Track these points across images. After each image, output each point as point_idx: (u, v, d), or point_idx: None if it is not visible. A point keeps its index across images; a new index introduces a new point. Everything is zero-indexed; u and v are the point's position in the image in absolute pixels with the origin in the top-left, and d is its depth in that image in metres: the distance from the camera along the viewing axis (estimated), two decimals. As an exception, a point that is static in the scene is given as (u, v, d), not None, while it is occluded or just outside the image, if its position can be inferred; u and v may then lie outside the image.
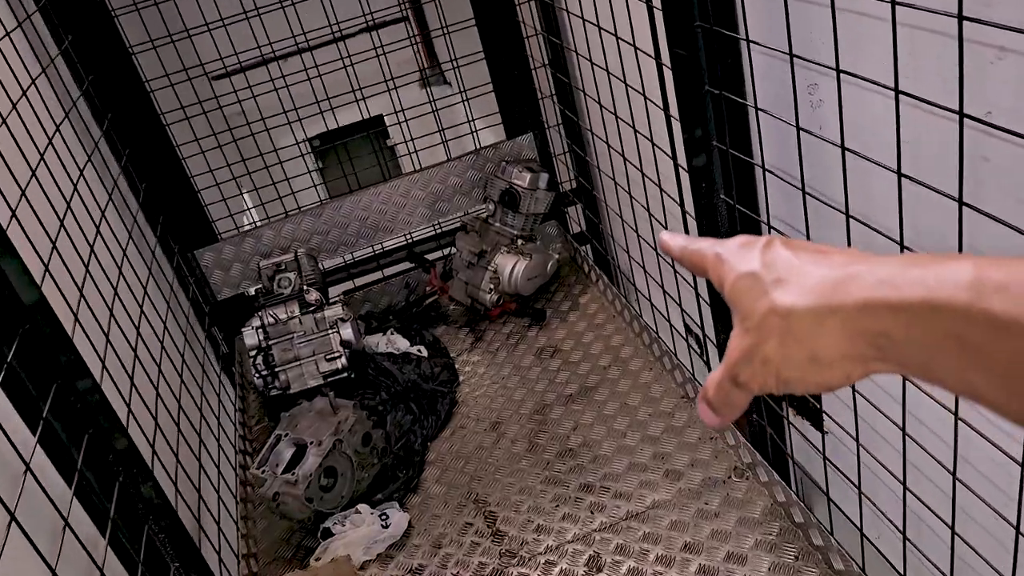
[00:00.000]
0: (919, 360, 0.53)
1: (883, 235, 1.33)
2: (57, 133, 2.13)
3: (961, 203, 1.12)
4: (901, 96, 1.16)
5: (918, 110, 1.20)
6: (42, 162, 1.94)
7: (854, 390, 1.58)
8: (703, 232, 1.93)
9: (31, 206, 1.77)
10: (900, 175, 1.22)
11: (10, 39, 2.12)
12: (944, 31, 1.19)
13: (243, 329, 2.84)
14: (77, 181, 2.15)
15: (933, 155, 1.30)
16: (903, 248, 1.29)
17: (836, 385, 0.62)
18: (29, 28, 2.35)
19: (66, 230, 1.92)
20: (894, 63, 1.15)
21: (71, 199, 2.05)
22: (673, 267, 2.28)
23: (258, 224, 3.29)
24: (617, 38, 2.12)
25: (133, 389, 1.98)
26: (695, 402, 2.40)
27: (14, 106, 1.93)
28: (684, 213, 2.09)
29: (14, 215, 1.65)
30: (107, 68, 2.72)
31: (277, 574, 2.32)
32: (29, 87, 2.07)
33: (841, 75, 1.29)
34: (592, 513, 2.21)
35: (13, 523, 1.28)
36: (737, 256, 0.68)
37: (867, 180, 1.44)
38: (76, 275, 1.90)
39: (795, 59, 1.41)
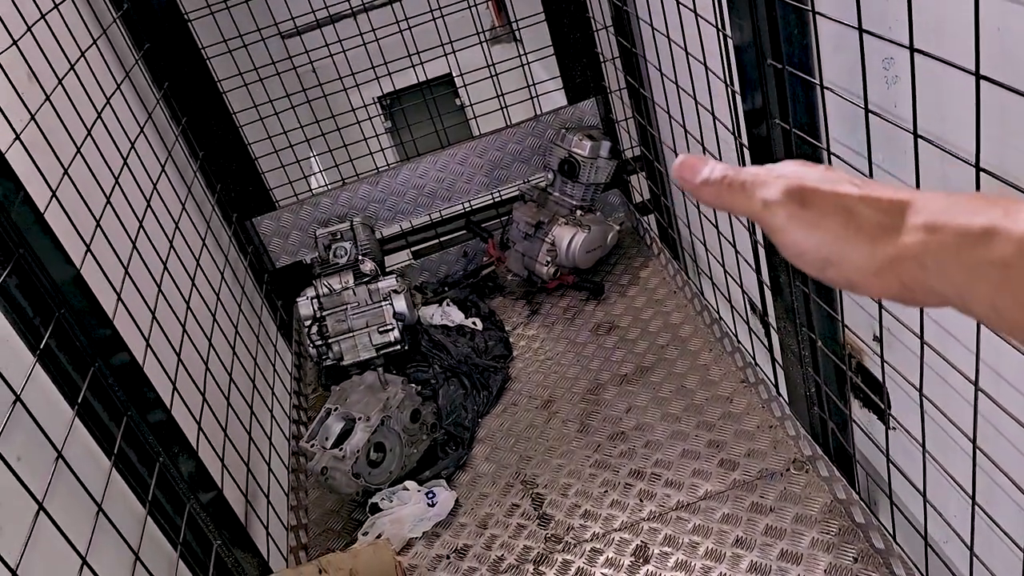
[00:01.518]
0: (952, 282, 0.52)
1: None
2: (108, 106, 2.12)
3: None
4: (982, 81, 1.03)
5: (1005, 97, 1.06)
6: (89, 137, 1.93)
7: (921, 394, 1.46)
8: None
9: (72, 183, 1.76)
10: (978, 169, 1.09)
11: (74, 3, 2.12)
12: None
13: (298, 299, 2.83)
14: (128, 155, 2.14)
15: (1020, 148, 1.16)
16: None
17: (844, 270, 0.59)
18: (84, -3, 2.34)
19: (112, 207, 1.92)
20: (975, 42, 1.02)
21: (119, 174, 2.04)
22: (735, 248, 2.16)
23: (318, 190, 3.27)
24: (679, 4, 1.99)
25: (179, 364, 1.98)
26: (755, 388, 2.30)
27: (65, 74, 1.93)
28: (746, 192, 1.96)
29: (54, 195, 1.64)
30: (165, 35, 2.70)
31: (326, 546, 2.33)
32: (82, 55, 2.06)
33: (915, 54, 1.16)
34: (641, 501, 2.14)
35: (43, 506, 1.28)
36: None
37: (943, 168, 1.30)
38: (122, 251, 1.90)
39: (865, 34, 1.28)
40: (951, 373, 1.39)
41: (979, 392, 1.28)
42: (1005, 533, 1.38)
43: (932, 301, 0.55)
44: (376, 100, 3.93)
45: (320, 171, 3.91)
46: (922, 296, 0.56)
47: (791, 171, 0.62)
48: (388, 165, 3.21)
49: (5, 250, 1.42)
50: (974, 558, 1.49)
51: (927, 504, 1.58)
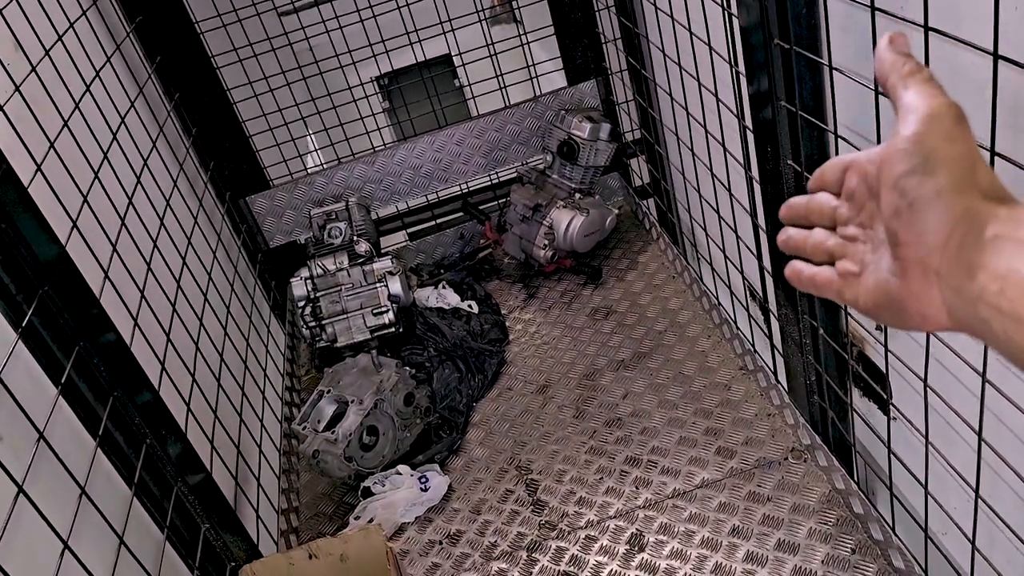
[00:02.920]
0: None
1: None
2: (97, 79, 2.07)
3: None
4: (1000, 61, 0.99)
5: (1019, 82, 1.03)
6: (77, 111, 1.88)
7: (925, 384, 1.42)
8: (767, 196, 1.77)
9: (59, 157, 1.72)
10: (993, 153, 1.05)
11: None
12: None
13: (292, 279, 2.80)
14: (117, 129, 2.09)
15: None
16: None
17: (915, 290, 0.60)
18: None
19: (100, 182, 1.87)
20: (994, 22, 0.98)
21: (108, 149, 1.99)
22: (736, 233, 2.12)
23: (313, 169, 3.22)
24: (683, -19, 1.94)
25: (168, 344, 1.95)
26: (754, 375, 2.27)
27: (60, 38, 1.88)
28: (749, 177, 1.92)
29: (39, 169, 1.60)
30: (158, 9, 2.64)
31: (317, 529, 2.31)
32: (67, 29, 2.01)
33: (929, 33, 1.11)
34: (637, 488, 2.11)
35: (22, 489, 1.24)
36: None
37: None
38: (110, 228, 1.86)
39: (876, 12, 1.23)
40: (954, 363, 1.36)
41: (986, 383, 1.25)
42: (1008, 527, 1.36)
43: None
44: (373, 79, 3.87)
45: (316, 150, 3.85)
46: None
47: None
48: (385, 145, 3.16)
49: (-13, 225, 1.38)
50: (975, 551, 1.46)
51: (928, 496, 1.55)
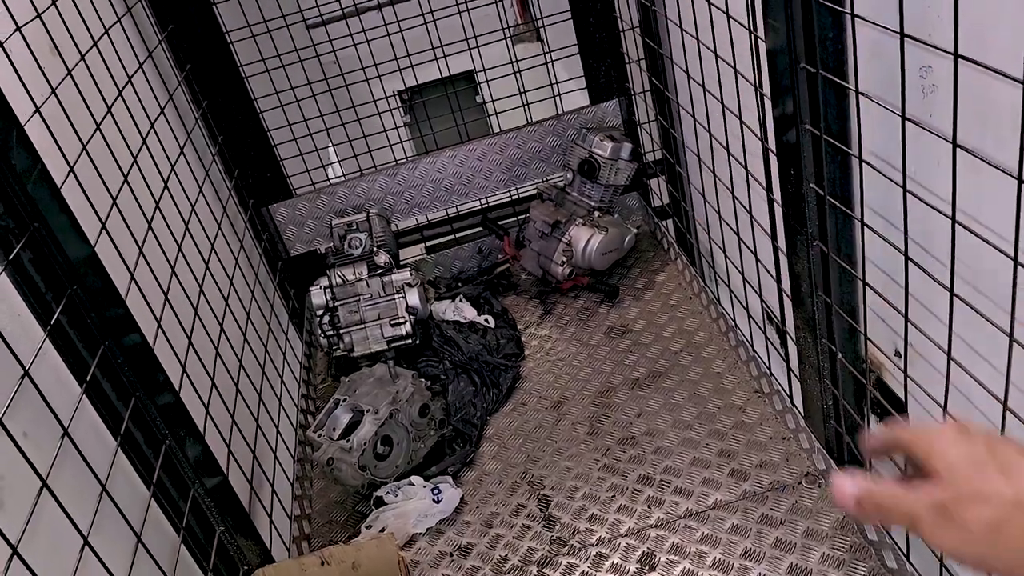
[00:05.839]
0: None
1: (993, 246, 1.16)
2: (129, 85, 2.11)
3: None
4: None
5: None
6: (109, 115, 1.91)
7: (945, 411, 1.42)
8: (789, 220, 1.78)
9: (91, 159, 1.75)
10: (1021, 181, 1.06)
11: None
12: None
13: (311, 288, 2.82)
14: (147, 134, 2.13)
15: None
16: (1016, 262, 1.13)
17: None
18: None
19: (129, 185, 1.90)
20: None
21: (138, 153, 2.03)
22: (756, 255, 2.13)
23: (335, 180, 3.25)
24: (710, 4, 1.96)
25: (190, 347, 1.97)
26: (769, 399, 2.27)
27: (95, 43, 1.91)
28: (771, 200, 1.93)
29: (72, 171, 1.62)
30: (190, 18, 2.69)
31: (329, 537, 2.31)
32: (102, 35, 2.05)
33: (959, 60, 1.12)
34: (649, 508, 2.11)
35: (47, 482, 1.26)
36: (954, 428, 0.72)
37: (982, 180, 1.27)
38: (137, 231, 1.88)
39: (906, 39, 1.24)
40: (974, 391, 1.36)
41: (1007, 412, 1.25)
42: None
43: None
44: (396, 94, 3.91)
45: (338, 161, 3.89)
46: None
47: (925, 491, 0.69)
48: (407, 158, 3.18)
49: (21, 223, 1.41)
50: (991, 581, 1.45)
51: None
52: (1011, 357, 1.23)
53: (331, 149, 3.76)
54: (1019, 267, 1.13)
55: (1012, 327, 1.20)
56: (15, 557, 1.14)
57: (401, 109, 4.33)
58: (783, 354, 2.21)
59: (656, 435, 2.32)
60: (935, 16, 1.29)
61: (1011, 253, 1.12)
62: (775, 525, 1.97)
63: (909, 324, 1.49)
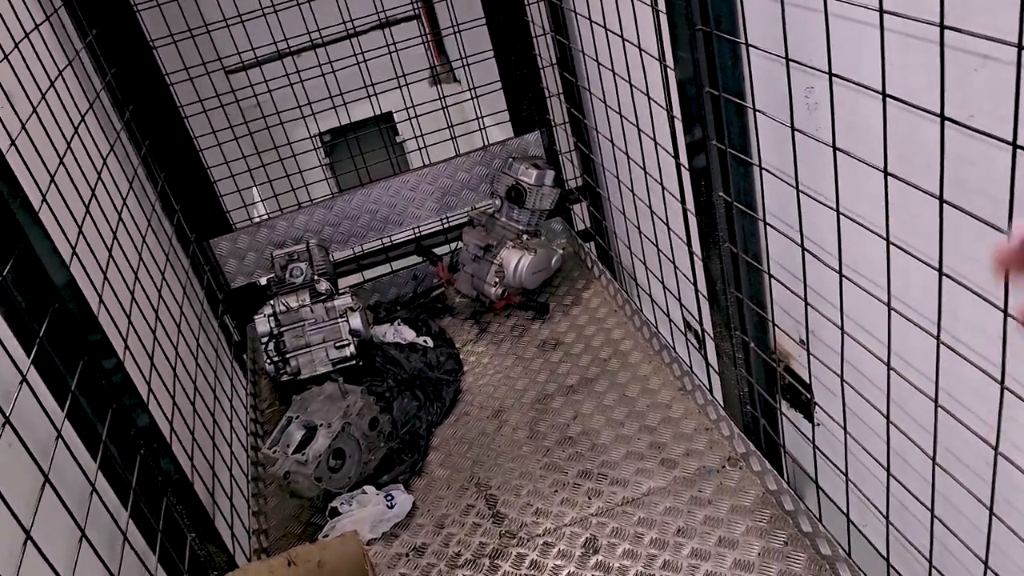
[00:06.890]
0: None
1: (870, 231, 1.40)
2: (82, 123, 2.21)
3: (942, 201, 1.19)
4: (889, 99, 1.24)
5: (907, 113, 1.28)
6: (69, 150, 2.02)
7: (843, 381, 1.66)
8: (702, 226, 2.01)
9: (60, 192, 1.85)
10: (887, 174, 1.30)
11: (38, 32, 2.20)
12: (933, 38, 1.27)
13: (255, 316, 2.92)
14: (101, 170, 2.23)
15: (921, 155, 1.38)
16: (888, 243, 1.37)
17: None
18: (56, 22, 2.43)
19: (91, 216, 2.01)
20: (882, 68, 1.23)
21: (95, 186, 2.13)
22: (674, 263, 2.36)
23: (269, 216, 3.37)
24: (623, 39, 2.20)
25: (153, 369, 2.07)
26: (692, 394, 2.49)
27: (43, 96, 2.02)
28: (685, 210, 2.17)
29: (44, 200, 1.73)
30: (129, 61, 2.80)
31: (287, 548, 2.40)
32: (56, 78, 2.16)
33: (834, 78, 1.37)
34: (589, 498, 2.29)
35: (46, 486, 1.36)
36: None
37: (858, 178, 1.52)
38: (100, 259, 1.98)
39: (791, 63, 1.49)
40: (866, 363, 1.59)
41: (891, 371, 1.49)
42: (919, 501, 1.58)
43: None
44: (317, 135, 4.04)
45: (261, 200, 3.99)
46: None
47: None
48: (341, 190, 3.33)
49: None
50: (890, 527, 1.68)
51: (850, 485, 1.77)
52: (890, 329, 1.46)
53: (255, 189, 3.87)
54: (890, 245, 1.37)
55: (889, 298, 1.44)
56: None
57: (322, 150, 4.48)
58: (703, 353, 2.44)
59: (591, 434, 2.51)
60: (815, 44, 1.54)
61: (883, 234, 1.36)
62: (703, 504, 2.18)
63: (809, 307, 1.72)
